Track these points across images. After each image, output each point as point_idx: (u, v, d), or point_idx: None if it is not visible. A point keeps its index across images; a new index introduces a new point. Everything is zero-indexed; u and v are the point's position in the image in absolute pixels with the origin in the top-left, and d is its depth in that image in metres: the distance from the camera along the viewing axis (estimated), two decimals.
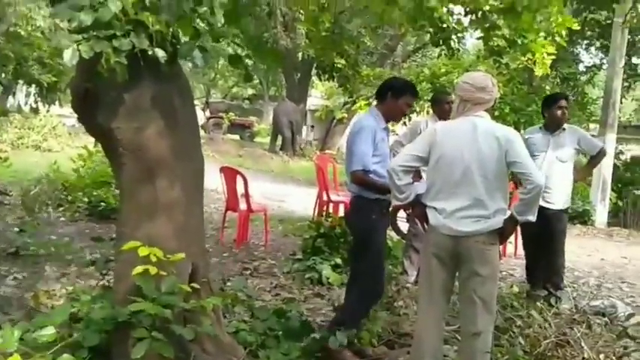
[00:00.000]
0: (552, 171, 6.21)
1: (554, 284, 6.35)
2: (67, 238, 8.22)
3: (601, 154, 6.61)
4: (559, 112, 6.35)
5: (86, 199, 9.89)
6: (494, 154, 3.87)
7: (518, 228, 6.03)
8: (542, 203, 4.99)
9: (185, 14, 3.48)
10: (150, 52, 3.34)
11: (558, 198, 6.28)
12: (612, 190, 14.11)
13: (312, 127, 28.95)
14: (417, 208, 4.17)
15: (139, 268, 3.50)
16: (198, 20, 3.62)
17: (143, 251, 3.52)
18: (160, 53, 3.37)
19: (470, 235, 3.88)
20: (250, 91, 45.41)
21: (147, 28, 3.32)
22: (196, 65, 3.45)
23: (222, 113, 31.65)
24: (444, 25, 7.30)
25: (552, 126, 6.38)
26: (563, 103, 6.42)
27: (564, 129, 6.38)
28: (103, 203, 9.57)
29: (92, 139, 15.26)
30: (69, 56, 3.14)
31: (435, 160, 3.99)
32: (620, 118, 15.14)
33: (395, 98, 4.77)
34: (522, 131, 6.93)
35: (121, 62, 3.21)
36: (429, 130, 4.29)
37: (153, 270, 3.51)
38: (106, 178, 9.95)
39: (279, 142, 25.37)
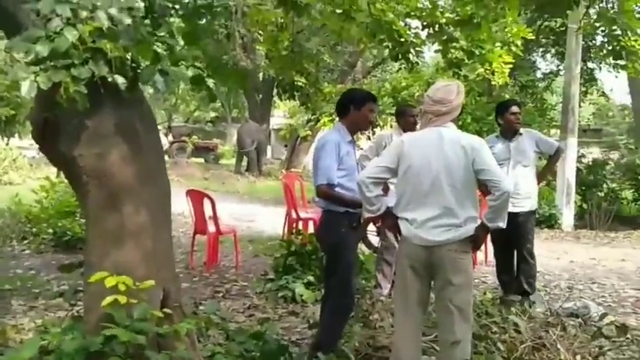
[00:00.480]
0: (518, 177, 6.30)
1: (530, 285, 6.42)
2: (33, 271, 8.07)
3: (558, 152, 6.74)
4: (512, 118, 6.46)
5: (51, 230, 9.70)
6: (461, 162, 3.90)
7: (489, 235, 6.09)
8: (511, 209, 5.05)
9: (144, 39, 3.44)
10: (110, 79, 3.29)
11: (526, 202, 6.38)
12: (577, 193, 14.31)
13: (286, 145, 28.67)
14: (389, 220, 4.18)
15: (109, 299, 3.44)
16: (157, 44, 3.59)
17: (110, 282, 3.46)
18: (120, 80, 3.32)
19: (442, 244, 3.90)
20: (212, 114, 45.31)
21: (105, 55, 3.28)
22: (158, 90, 3.40)
23: (185, 137, 31.52)
24: (402, 39, 7.37)
25: (509, 133, 6.48)
26: (515, 109, 6.55)
27: (521, 134, 6.49)
28: (68, 233, 9.40)
29: (54, 170, 15.04)
30: (26, 89, 3.07)
31: (403, 171, 4.01)
32: (579, 122, 15.39)
33: (357, 109, 4.80)
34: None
35: (80, 91, 3.15)
36: (397, 142, 4.31)
37: (122, 299, 3.45)
38: (70, 207, 9.78)
39: (244, 162, 25.33)
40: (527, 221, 6.52)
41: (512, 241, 6.42)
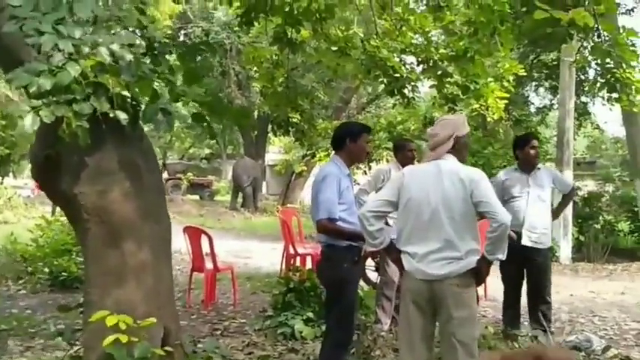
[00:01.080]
0: (536, 210, 6.26)
1: (546, 316, 6.35)
2: (29, 311, 7.97)
3: (573, 191, 6.76)
4: (532, 152, 6.37)
5: (47, 270, 9.59)
6: (459, 194, 3.90)
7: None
8: (529, 244, 5.02)
9: (144, 75, 3.47)
10: (111, 115, 3.30)
11: (545, 238, 6.34)
12: (573, 225, 14.31)
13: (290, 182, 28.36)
14: (392, 254, 4.16)
15: (110, 338, 3.41)
16: (157, 81, 3.62)
17: (111, 320, 3.43)
18: (122, 115, 3.34)
19: (443, 278, 3.87)
20: (207, 151, 45.39)
21: (107, 91, 3.29)
22: (160, 129, 3.41)
23: (180, 174, 31.53)
24: (397, 75, 7.42)
25: (527, 166, 6.42)
26: (535, 142, 6.46)
27: (539, 168, 6.45)
28: (64, 273, 9.29)
29: (49, 209, 14.98)
30: (29, 122, 3.07)
31: (403, 204, 4.01)
32: (574, 154, 15.48)
33: (354, 141, 4.80)
34: (500, 172, 6.98)
35: (82, 126, 3.16)
36: (398, 175, 4.32)
37: (124, 338, 3.41)
38: (66, 246, 9.69)
39: (239, 199, 25.31)
40: (547, 258, 6.50)
41: (530, 277, 6.37)
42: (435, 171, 4.00)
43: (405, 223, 4.04)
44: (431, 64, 7.36)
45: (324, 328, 6.41)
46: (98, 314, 3.54)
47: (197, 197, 30.21)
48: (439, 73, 7.38)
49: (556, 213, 6.88)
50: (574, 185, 6.93)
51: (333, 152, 5.09)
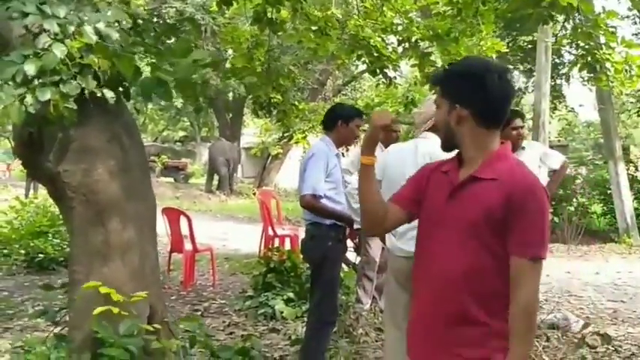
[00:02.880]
0: None
1: None
2: (6, 293, 7.90)
3: (564, 167, 6.40)
4: (514, 133, 5.62)
5: (23, 251, 9.49)
6: None
7: None
8: None
9: (131, 52, 3.42)
10: (99, 94, 3.24)
11: None
12: None
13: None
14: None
15: (100, 309, 3.38)
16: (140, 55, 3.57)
17: (104, 290, 3.40)
18: (109, 94, 3.29)
19: None
20: (181, 133, 45.08)
21: (93, 69, 3.24)
22: (154, 102, 3.36)
23: (154, 157, 31.28)
24: (379, 55, 7.40)
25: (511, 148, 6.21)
26: (517, 122, 5.72)
27: (524, 148, 5.95)
28: (41, 255, 9.21)
29: (22, 191, 14.82)
30: (16, 115, 3.00)
31: (385, 183, 4.02)
32: (549, 137, 15.63)
33: (346, 124, 4.81)
34: None
35: (70, 107, 3.11)
36: (382, 153, 4.33)
37: (115, 310, 3.38)
38: (42, 228, 9.59)
39: (215, 181, 25.20)
40: None
41: None
42: (412, 150, 4.04)
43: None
44: (412, 44, 7.33)
45: (304, 308, 6.45)
46: (90, 284, 3.51)
47: (171, 180, 30.02)
48: (420, 53, 7.36)
49: (549, 190, 6.73)
50: (565, 160, 6.48)
51: (324, 132, 5.09)
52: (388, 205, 2.54)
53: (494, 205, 2.22)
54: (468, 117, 2.31)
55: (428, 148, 4.05)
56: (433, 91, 7.72)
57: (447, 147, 2.42)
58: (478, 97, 2.30)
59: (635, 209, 15.22)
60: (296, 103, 10.06)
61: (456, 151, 2.40)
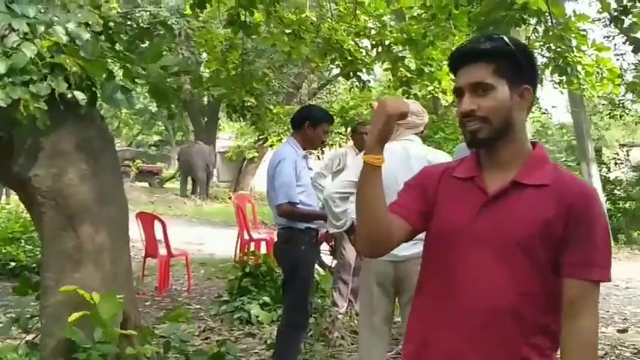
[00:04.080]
0: None
1: None
2: None
3: None
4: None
5: None
6: None
7: None
8: None
9: (102, 55, 3.39)
10: (69, 96, 3.21)
11: None
12: None
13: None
14: (353, 235, 4.15)
15: (76, 315, 3.34)
16: (113, 60, 3.54)
17: (81, 292, 3.36)
18: (80, 96, 3.25)
19: (408, 258, 3.86)
20: (156, 138, 44.78)
21: (64, 70, 3.21)
22: (118, 107, 3.33)
23: (128, 161, 31.00)
24: (353, 58, 7.42)
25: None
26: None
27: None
28: (13, 262, 9.08)
29: None
30: None
31: None
32: None
33: (312, 127, 4.77)
34: (457, 150, 6.90)
35: (41, 108, 3.07)
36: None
37: (90, 315, 3.35)
38: (14, 234, 9.47)
39: (189, 185, 25.04)
40: None
41: None
42: (402, 153, 3.95)
43: None
44: (385, 48, 7.36)
45: (280, 312, 6.43)
46: (66, 287, 3.47)
47: (146, 184, 29.80)
48: (394, 56, 7.39)
49: None
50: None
51: (290, 133, 5.07)
52: (390, 218, 2.02)
53: (551, 217, 1.81)
54: (529, 102, 1.91)
55: (421, 151, 4.01)
56: (407, 95, 7.80)
57: (486, 142, 1.90)
58: (533, 78, 1.94)
59: (609, 210, 15.38)
60: (270, 106, 10.05)
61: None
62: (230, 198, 20.79)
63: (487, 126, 1.86)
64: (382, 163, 1.93)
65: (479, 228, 1.87)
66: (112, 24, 3.84)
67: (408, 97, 7.59)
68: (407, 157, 3.92)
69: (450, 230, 1.93)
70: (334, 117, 6.09)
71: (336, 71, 15.80)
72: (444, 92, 7.60)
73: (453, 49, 2.09)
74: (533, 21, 5.85)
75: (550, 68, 6.39)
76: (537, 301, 1.84)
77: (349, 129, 7.12)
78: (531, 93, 1.90)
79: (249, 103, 8.87)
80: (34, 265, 8.77)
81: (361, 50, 7.50)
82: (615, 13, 6.50)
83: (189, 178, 24.85)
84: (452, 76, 6.26)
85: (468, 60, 1.89)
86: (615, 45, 17.44)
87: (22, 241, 9.19)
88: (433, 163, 3.83)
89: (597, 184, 14.94)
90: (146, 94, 3.64)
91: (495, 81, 1.85)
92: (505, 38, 1.89)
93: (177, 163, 25.48)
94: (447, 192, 1.99)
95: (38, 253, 8.40)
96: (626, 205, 16.58)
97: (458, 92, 1.92)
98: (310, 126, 4.77)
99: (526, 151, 1.93)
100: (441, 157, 4.06)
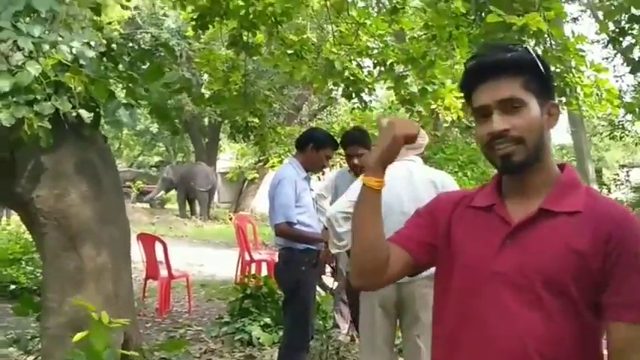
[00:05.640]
0: None
1: None
2: None
3: None
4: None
5: None
6: (432, 198, 3.86)
7: None
8: None
9: (104, 75, 3.40)
10: (74, 114, 3.22)
11: None
12: None
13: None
14: None
15: (80, 335, 3.31)
16: (116, 81, 3.56)
17: (92, 308, 3.33)
18: (85, 114, 3.26)
19: (413, 280, 3.82)
20: (157, 158, 44.78)
21: (68, 90, 3.22)
22: (122, 126, 3.34)
23: (129, 182, 30.99)
24: (354, 79, 7.43)
25: None
26: None
27: None
28: (13, 284, 9.02)
29: None
30: None
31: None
32: None
33: (316, 150, 4.79)
34: None
35: (44, 127, 3.07)
36: None
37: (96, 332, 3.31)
38: (15, 255, 9.43)
39: (188, 207, 24.96)
40: None
41: None
42: (406, 174, 3.94)
43: None
44: (387, 67, 7.37)
45: (281, 333, 6.40)
46: (78, 301, 3.45)
47: (147, 205, 29.76)
48: (396, 76, 7.40)
49: None
50: None
51: (293, 154, 5.08)
52: (389, 248, 1.79)
53: (586, 249, 1.55)
54: (557, 119, 1.68)
55: (424, 172, 3.99)
56: (410, 113, 7.80)
57: (522, 166, 1.63)
58: (554, 93, 1.74)
59: None
60: (273, 127, 10.07)
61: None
62: (231, 219, 20.74)
63: (522, 147, 1.61)
64: (382, 186, 1.77)
65: (502, 264, 1.62)
66: (114, 45, 3.86)
67: (411, 116, 7.61)
68: (410, 177, 3.91)
69: (468, 267, 1.69)
70: (335, 138, 6.07)
71: (337, 92, 15.83)
72: (447, 109, 7.55)
73: (464, 62, 1.82)
74: (532, 42, 5.86)
75: None
76: (569, 346, 1.58)
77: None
78: (558, 109, 1.68)
79: (252, 123, 8.89)
80: (35, 287, 8.73)
81: (363, 70, 7.52)
82: (613, 35, 6.54)
83: (187, 199, 24.79)
84: (454, 94, 6.04)
85: (491, 74, 1.64)
86: (614, 67, 17.53)
87: (23, 262, 9.14)
88: (437, 185, 3.83)
89: None
90: (147, 115, 3.65)
91: (526, 96, 1.62)
92: (528, 47, 1.66)
93: (168, 181, 25.17)
94: (463, 223, 1.76)
95: (39, 274, 8.37)
96: None
97: (482, 112, 1.65)
98: (314, 148, 4.79)
99: (554, 175, 1.69)
100: (447, 180, 4.02)
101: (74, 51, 3.16)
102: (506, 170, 1.67)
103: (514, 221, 1.64)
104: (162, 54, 6.58)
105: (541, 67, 1.63)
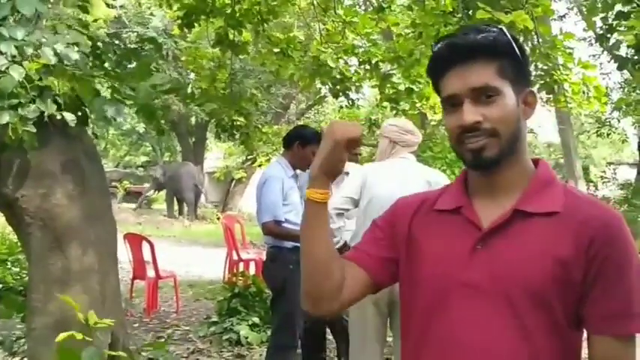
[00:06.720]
0: None
1: None
2: None
3: None
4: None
5: None
6: None
7: None
8: None
9: (90, 75, 3.37)
10: (59, 117, 3.18)
11: None
12: None
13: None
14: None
15: (63, 335, 3.27)
16: (101, 80, 3.53)
17: (77, 307, 3.29)
18: (70, 117, 3.23)
19: None
20: (143, 158, 44.61)
21: (53, 92, 3.18)
22: (109, 120, 3.31)
23: (115, 182, 30.88)
24: (342, 77, 7.42)
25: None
26: None
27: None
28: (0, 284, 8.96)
29: None
30: None
31: (366, 203, 3.93)
32: None
33: (302, 147, 4.78)
34: None
35: (29, 131, 3.04)
36: (360, 172, 4.22)
37: (79, 336, 3.27)
38: (1, 256, 9.37)
39: (176, 207, 24.90)
40: None
41: None
42: (400, 171, 3.93)
43: (365, 222, 3.97)
44: (373, 66, 7.37)
45: (270, 332, 6.38)
46: (65, 298, 3.40)
47: (134, 205, 29.66)
48: (382, 74, 7.39)
49: None
50: None
51: (281, 152, 5.07)
52: (345, 267, 1.59)
53: (567, 255, 1.39)
54: (534, 109, 1.50)
55: (419, 170, 3.98)
56: (395, 112, 7.81)
57: (495, 161, 1.45)
58: (530, 79, 1.55)
59: None
60: (259, 126, 10.04)
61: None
62: (218, 218, 20.70)
63: (495, 141, 1.43)
64: (328, 198, 1.54)
65: (473, 273, 1.44)
66: (100, 44, 3.83)
67: (396, 114, 7.61)
68: (404, 175, 3.90)
69: (432, 279, 1.50)
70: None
71: (324, 91, 15.85)
72: (432, 108, 7.58)
73: (431, 45, 1.58)
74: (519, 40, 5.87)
75: (537, 86, 6.41)
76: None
77: None
78: (535, 98, 1.50)
79: (238, 122, 8.85)
80: (21, 287, 8.66)
81: (350, 68, 7.51)
82: (601, 32, 6.56)
83: (175, 199, 24.73)
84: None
85: (462, 58, 1.44)
86: (601, 64, 17.63)
87: (9, 263, 9.07)
88: (431, 183, 3.77)
89: None
90: (133, 114, 3.63)
91: (501, 84, 1.43)
92: (503, 28, 1.47)
93: (158, 181, 25.10)
94: (425, 230, 1.57)
95: (25, 275, 8.31)
96: None
97: (451, 101, 1.47)
98: (300, 146, 4.78)
99: (529, 172, 1.51)
100: (441, 178, 4.01)
101: (59, 52, 3.11)
102: (476, 166, 1.49)
103: (485, 225, 1.47)
104: (148, 53, 6.54)
105: (517, 51, 1.45)
